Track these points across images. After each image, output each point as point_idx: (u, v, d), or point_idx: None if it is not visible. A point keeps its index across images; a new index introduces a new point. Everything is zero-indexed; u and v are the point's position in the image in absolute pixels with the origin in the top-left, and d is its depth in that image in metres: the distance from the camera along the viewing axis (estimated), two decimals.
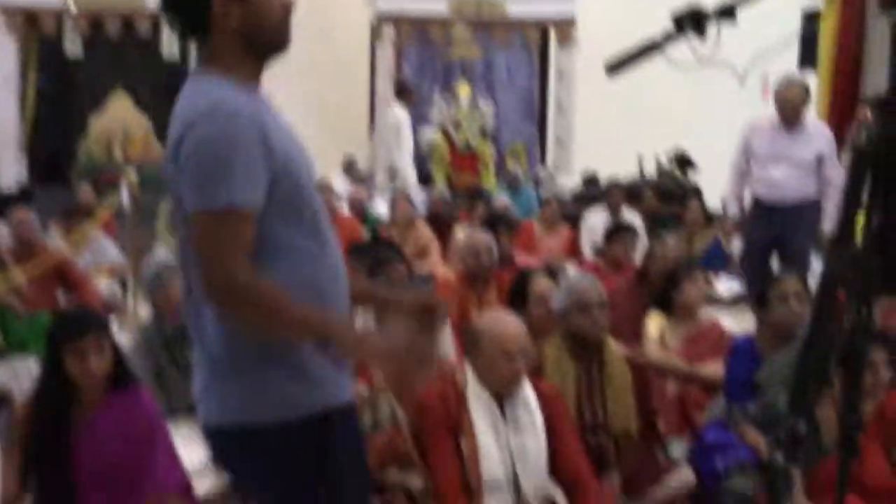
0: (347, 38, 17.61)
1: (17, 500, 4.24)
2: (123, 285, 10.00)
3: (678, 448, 5.37)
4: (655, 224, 11.14)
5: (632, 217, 11.35)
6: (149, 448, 4.32)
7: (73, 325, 4.24)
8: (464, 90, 17.31)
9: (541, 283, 5.84)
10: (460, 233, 10.38)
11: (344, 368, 3.00)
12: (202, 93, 2.87)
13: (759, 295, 5.64)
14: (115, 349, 4.33)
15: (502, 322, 4.53)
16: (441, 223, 11.39)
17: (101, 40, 16.18)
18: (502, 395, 4.47)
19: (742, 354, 5.48)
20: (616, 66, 2.80)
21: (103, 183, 14.15)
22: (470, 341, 4.52)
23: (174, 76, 15.47)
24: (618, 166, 14.53)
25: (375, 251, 6.57)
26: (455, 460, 4.40)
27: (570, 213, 12.17)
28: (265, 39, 2.96)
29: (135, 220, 9.61)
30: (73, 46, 15.68)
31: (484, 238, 7.08)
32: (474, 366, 4.50)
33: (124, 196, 10.04)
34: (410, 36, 17.19)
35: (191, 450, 4.45)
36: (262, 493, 3.00)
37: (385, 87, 16.80)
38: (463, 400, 4.47)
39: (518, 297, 5.86)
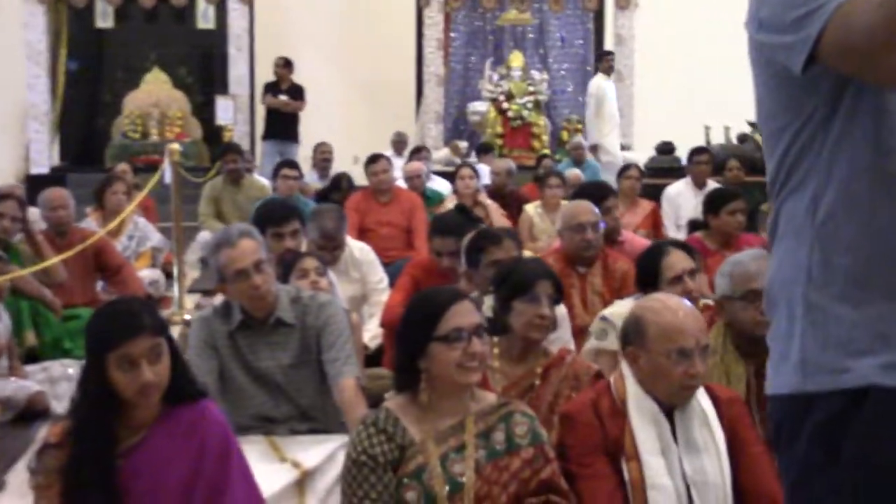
0: (393, 14, 16.68)
1: None
2: (167, 275, 9.17)
3: None
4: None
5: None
6: (220, 480, 3.35)
7: (119, 324, 3.25)
8: (516, 59, 16.48)
9: (677, 258, 4.81)
10: (530, 209, 9.45)
11: None
12: None
13: None
14: (175, 354, 3.36)
15: (673, 309, 3.51)
16: (508, 199, 10.42)
17: (133, 11, 15.32)
18: (672, 406, 3.46)
19: None
20: None
21: (140, 164, 13.32)
22: (632, 335, 3.51)
23: (209, 47, 14.81)
24: (681, 138, 13.66)
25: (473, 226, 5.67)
26: (616, 490, 3.42)
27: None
28: None
29: (178, 201, 8.67)
30: (103, 18, 14.78)
31: (590, 208, 6.03)
32: (636, 368, 3.50)
33: (167, 174, 9.10)
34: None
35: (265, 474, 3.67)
36: None
37: (434, 58, 15.94)
38: (623, 413, 3.47)
39: (649, 277, 4.82)
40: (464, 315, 3.37)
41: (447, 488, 3.33)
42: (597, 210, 6.09)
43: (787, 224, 2.02)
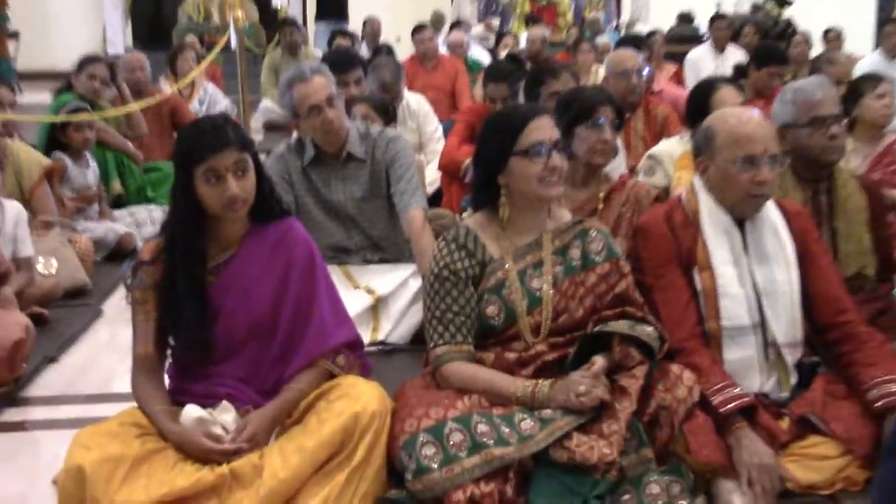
0: None
1: (153, 358, 3.01)
2: None
3: None
4: None
5: (736, 53, 9.91)
6: (307, 290, 3.05)
7: (206, 139, 2.90)
8: None
9: (727, 94, 4.44)
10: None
11: None
12: None
13: None
14: (260, 172, 3.02)
15: (741, 118, 3.14)
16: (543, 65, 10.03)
17: None
18: (744, 218, 3.11)
19: None
20: None
21: (204, 44, 13.01)
22: (702, 145, 3.16)
23: None
24: (697, 11, 13.18)
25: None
26: (689, 300, 3.09)
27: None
28: None
29: (244, 65, 8.39)
30: None
31: (633, 55, 5.63)
32: (706, 178, 3.15)
33: (233, 39, 8.79)
34: None
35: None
36: None
37: None
38: (695, 225, 3.14)
39: (699, 111, 4.42)
40: (543, 129, 3.04)
41: (526, 302, 3.04)
42: (639, 57, 5.68)
43: None
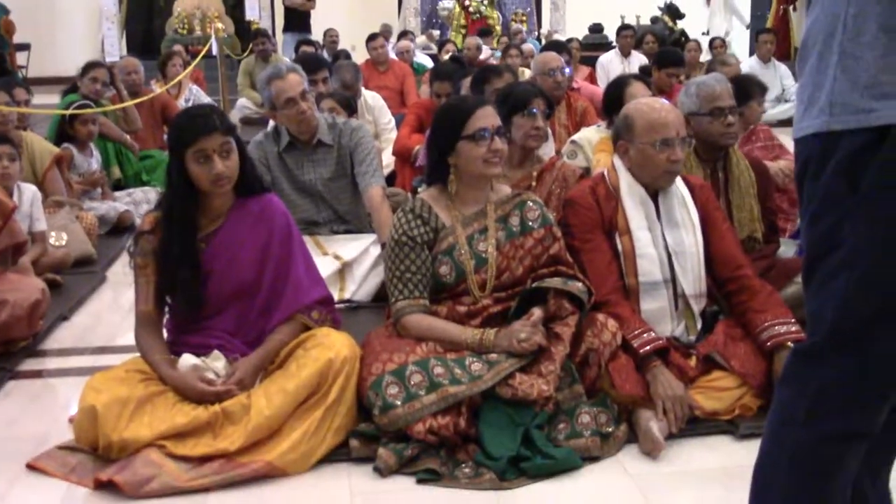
0: None
1: (153, 314, 2.94)
2: None
3: (789, 248, 3.97)
4: None
5: (639, 57, 9.88)
6: (285, 255, 2.98)
7: (195, 124, 2.84)
8: None
9: (638, 88, 4.39)
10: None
11: None
12: None
13: None
14: (243, 154, 2.94)
15: (655, 107, 3.10)
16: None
17: None
18: (657, 191, 3.08)
19: None
20: None
21: (189, 52, 12.76)
22: (623, 131, 3.11)
23: None
24: (604, 23, 13.13)
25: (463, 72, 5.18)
26: (611, 260, 3.05)
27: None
28: None
29: (224, 69, 8.27)
30: None
31: (557, 56, 5.56)
32: (627, 159, 3.11)
33: (214, 47, 8.63)
34: None
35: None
36: None
37: None
38: (616, 197, 3.09)
39: (614, 103, 4.37)
40: (487, 118, 2.98)
41: (473, 262, 2.99)
42: (562, 59, 5.61)
43: None
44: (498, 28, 16.01)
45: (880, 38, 1.50)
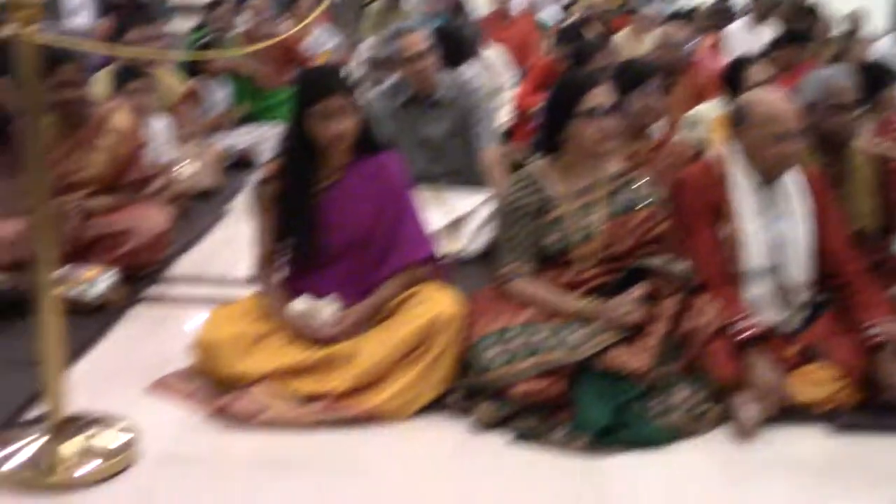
0: None
1: (271, 257, 3.10)
2: None
3: None
4: None
5: (767, 31, 9.53)
6: (399, 212, 3.07)
7: (317, 85, 2.95)
8: None
9: (758, 71, 4.32)
10: (619, 37, 8.79)
11: None
12: None
13: None
14: (361, 113, 3.04)
15: (772, 100, 3.06)
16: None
17: None
18: (769, 179, 3.05)
19: None
20: None
21: None
22: (737, 119, 3.08)
23: None
24: None
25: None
26: (717, 245, 3.05)
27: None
28: None
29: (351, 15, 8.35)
30: None
31: (682, 29, 5.48)
32: (742, 147, 3.08)
33: None
34: None
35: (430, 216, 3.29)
36: None
37: None
38: (726, 182, 3.07)
39: (734, 83, 4.33)
40: (602, 96, 3.00)
41: (580, 235, 3.03)
42: (686, 31, 5.54)
43: None
44: None
45: None
